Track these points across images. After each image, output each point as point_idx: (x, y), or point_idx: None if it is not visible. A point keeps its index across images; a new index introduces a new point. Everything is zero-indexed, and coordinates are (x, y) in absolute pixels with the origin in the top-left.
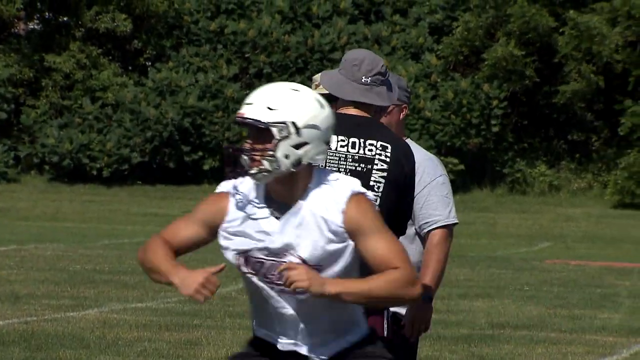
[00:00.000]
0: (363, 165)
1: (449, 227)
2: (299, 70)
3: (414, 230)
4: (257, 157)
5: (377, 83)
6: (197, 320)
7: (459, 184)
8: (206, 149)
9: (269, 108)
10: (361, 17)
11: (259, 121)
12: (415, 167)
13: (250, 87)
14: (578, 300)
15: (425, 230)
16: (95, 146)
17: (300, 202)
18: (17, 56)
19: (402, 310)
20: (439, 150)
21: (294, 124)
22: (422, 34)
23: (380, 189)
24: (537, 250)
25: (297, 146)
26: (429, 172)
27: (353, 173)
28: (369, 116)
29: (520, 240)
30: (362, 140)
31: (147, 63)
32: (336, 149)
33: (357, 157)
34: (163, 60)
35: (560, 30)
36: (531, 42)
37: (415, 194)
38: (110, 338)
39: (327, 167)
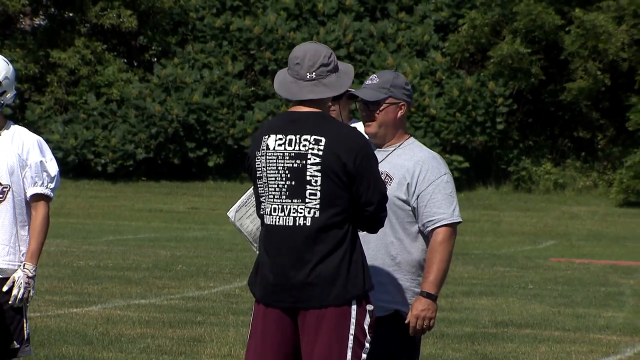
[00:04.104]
0: (298, 162)
1: (453, 226)
2: None
3: (417, 228)
4: None
5: (324, 75)
6: (200, 317)
7: (464, 182)
8: (211, 146)
9: None
10: (367, 14)
11: None
12: (416, 165)
13: (256, 84)
14: (582, 298)
15: (429, 229)
16: (100, 142)
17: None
18: (22, 52)
19: (406, 309)
20: (444, 148)
21: None
22: (428, 32)
23: (318, 183)
24: (541, 249)
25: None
26: (433, 170)
27: (290, 170)
28: (312, 110)
29: (524, 238)
30: (297, 136)
31: (152, 59)
32: (274, 148)
33: (293, 154)
34: (168, 56)
35: (567, 28)
36: (537, 40)
37: (419, 192)
38: (113, 334)
39: (266, 167)
